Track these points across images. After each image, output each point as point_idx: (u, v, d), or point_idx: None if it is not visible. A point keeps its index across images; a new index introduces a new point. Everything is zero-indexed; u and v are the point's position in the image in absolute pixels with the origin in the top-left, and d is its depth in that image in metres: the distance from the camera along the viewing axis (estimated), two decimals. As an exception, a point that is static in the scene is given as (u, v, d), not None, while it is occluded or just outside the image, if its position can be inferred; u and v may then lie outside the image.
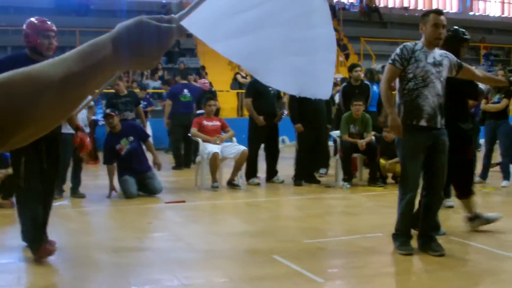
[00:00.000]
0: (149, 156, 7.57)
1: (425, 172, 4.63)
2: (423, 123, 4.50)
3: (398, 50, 4.68)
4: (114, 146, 7.35)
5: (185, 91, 10.48)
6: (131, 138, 7.35)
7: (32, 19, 4.58)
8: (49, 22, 4.60)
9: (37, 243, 4.31)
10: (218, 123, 8.33)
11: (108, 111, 7.61)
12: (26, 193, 4.36)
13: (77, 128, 4.88)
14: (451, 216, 6.39)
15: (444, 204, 7.04)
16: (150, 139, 7.76)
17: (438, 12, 4.71)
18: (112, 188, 7.32)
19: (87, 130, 7.70)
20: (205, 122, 8.20)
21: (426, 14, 4.74)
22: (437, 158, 4.55)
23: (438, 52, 4.68)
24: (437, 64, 4.58)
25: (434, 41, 4.60)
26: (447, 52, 4.75)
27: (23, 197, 4.44)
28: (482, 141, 9.00)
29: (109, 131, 7.59)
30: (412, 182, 4.56)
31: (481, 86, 8.07)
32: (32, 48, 4.49)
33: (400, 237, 4.57)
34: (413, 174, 4.55)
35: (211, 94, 9.99)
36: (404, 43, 4.74)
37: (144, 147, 7.62)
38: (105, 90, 12.05)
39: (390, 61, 4.72)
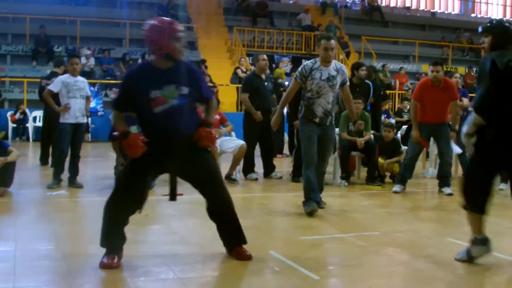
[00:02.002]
0: None
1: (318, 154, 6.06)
2: (316, 121, 5.99)
3: (299, 69, 6.10)
4: None
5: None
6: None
7: (154, 22, 4.00)
8: (177, 22, 4.05)
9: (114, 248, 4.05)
10: (217, 117, 8.30)
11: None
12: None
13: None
14: (452, 218, 6.40)
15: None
16: None
17: (328, 38, 6.03)
18: (120, 162, 7.33)
19: (85, 120, 7.69)
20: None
21: (319, 39, 6.10)
22: (324, 145, 6.07)
23: (334, 67, 6.01)
24: (330, 79, 5.95)
25: (325, 61, 5.95)
26: (344, 69, 6.11)
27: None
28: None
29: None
30: (309, 157, 5.97)
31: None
32: (165, 55, 3.93)
33: (308, 201, 5.97)
34: (310, 152, 5.98)
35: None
36: (305, 62, 6.18)
37: None
38: (114, 81, 11.97)
39: (294, 77, 6.12)
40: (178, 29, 3.97)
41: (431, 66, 7.51)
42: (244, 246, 4.24)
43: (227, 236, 4.28)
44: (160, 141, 3.92)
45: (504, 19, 4.38)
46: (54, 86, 7.48)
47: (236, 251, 4.20)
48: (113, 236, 4.04)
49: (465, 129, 4.14)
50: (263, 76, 8.61)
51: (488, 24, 4.25)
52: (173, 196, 4.17)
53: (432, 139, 7.88)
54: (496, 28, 4.18)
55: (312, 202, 5.89)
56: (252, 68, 9.48)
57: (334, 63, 6.04)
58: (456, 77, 9.20)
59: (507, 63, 3.91)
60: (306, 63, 6.08)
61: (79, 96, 7.43)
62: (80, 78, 7.59)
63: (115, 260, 3.96)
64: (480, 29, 4.27)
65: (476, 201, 4.17)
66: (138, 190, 4.05)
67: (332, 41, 5.96)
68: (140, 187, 4.05)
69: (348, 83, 6.21)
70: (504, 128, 3.96)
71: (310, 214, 5.83)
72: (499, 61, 3.93)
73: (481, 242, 4.19)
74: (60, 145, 7.39)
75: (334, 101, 6.09)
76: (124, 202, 4.05)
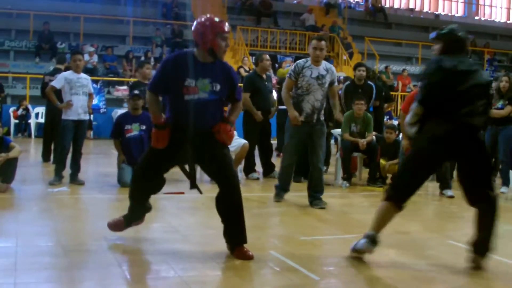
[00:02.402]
0: None
1: (308, 151, 6.48)
2: (302, 118, 6.32)
3: (292, 67, 6.53)
4: (124, 124, 7.44)
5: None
6: (143, 127, 7.39)
7: (207, 17, 4.22)
8: (226, 23, 4.25)
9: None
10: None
11: (136, 92, 7.64)
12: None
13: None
14: (452, 220, 6.41)
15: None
16: None
17: (319, 39, 6.44)
18: (121, 159, 7.41)
19: (87, 117, 7.70)
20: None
21: (312, 39, 6.50)
22: (313, 141, 6.38)
23: (324, 67, 6.39)
24: (320, 77, 6.33)
25: (314, 60, 6.34)
26: (333, 69, 6.48)
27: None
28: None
29: (127, 111, 7.68)
30: (289, 154, 6.54)
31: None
32: (208, 50, 4.12)
33: (278, 189, 6.67)
34: (291, 149, 6.51)
35: None
36: (297, 61, 6.48)
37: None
38: (126, 79, 11.95)
39: (288, 74, 6.46)
40: (226, 30, 4.16)
41: (417, 82, 7.55)
42: (245, 245, 4.25)
43: (230, 232, 4.30)
44: (183, 129, 4.10)
45: (455, 27, 4.49)
46: (57, 82, 7.48)
47: (238, 250, 4.21)
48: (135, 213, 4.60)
49: (407, 119, 4.26)
50: (264, 76, 8.61)
51: (440, 32, 4.33)
52: (193, 184, 4.35)
53: None
54: (447, 36, 4.26)
55: (282, 193, 6.67)
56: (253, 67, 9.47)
57: (324, 64, 6.44)
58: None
59: (451, 67, 4.02)
60: (299, 61, 6.48)
61: (82, 93, 7.43)
62: (83, 75, 7.60)
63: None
64: (431, 35, 4.37)
65: (403, 198, 4.19)
66: (157, 173, 4.39)
67: (323, 42, 6.38)
68: (159, 170, 4.37)
69: (336, 83, 6.67)
70: (443, 121, 4.04)
71: (277, 201, 6.62)
72: (445, 62, 4.05)
73: (373, 240, 4.22)
74: (62, 141, 7.40)
75: (323, 99, 6.42)
76: (144, 184, 4.44)
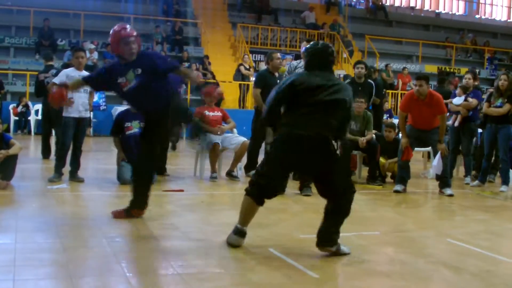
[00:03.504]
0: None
1: None
2: None
3: (287, 68, 6.76)
4: (124, 122, 7.45)
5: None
6: (143, 124, 7.37)
7: (114, 28, 5.09)
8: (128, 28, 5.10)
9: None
10: (219, 113, 8.31)
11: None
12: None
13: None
14: (451, 219, 6.41)
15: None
16: None
17: (307, 40, 6.76)
18: (121, 157, 7.42)
19: (88, 115, 7.70)
20: (207, 112, 8.18)
21: (304, 41, 6.87)
22: None
23: None
24: None
25: None
26: None
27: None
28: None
29: (127, 109, 7.69)
30: None
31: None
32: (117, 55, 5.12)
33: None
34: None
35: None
36: (291, 62, 6.74)
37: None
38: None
39: (283, 76, 6.58)
40: (126, 34, 5.00)
41: (414, 80, 7.58)
42: (244, 244, 4.27)
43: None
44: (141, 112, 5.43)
45: (328, 43, 4.76)
46: (58, 79, 7.47)
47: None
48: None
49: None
50: (276, 74, 8.61)
51: (308, 45, 4.55)
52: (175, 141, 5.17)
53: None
54: (312, 50, 4.47)
55: None
56: (265, 66, 9.45)
57: None
58: (467, 79, 8.91)
59: (299, 87, 4.26)
60: (292, 62, 6.62)
61: (83, 91, 7.42)
62: (84, 72, 7.59)
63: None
64: (301, 50, 4.61)
65: (267, 195, 4.43)
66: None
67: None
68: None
69: None
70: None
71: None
72: (298, 82, 4.29)
73: (241, 233, 4.42)
74: (63, 138, 7.40)
75: None
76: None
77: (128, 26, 5.13)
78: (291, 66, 6.71)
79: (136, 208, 5.26)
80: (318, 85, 4.25)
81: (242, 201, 4.46)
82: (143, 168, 5.30)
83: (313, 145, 4.20)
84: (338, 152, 4.26)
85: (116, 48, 5.03)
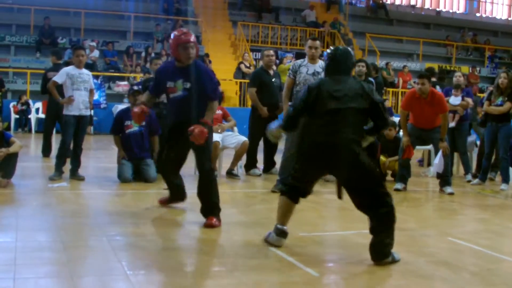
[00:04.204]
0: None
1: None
2: None
3: (291, 66, 7.06)
4: (124, 120, 7.45)
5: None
6: (143, 123, 7.36)
7: (176, 32, 5.38)
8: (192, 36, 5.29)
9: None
10: (219, 111, 8.31)
11: (135, 87, 7.67)
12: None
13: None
14: (452, 218, 6.41)
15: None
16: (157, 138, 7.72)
17: (313, 39, 7.05)
18: (121, 155, 7.44)
19: (88, 113, 7.70)
20: (207, 111, 8.16)
21: (307, 39, 7.11)
22: None
23: (321, 66, 6.76)
24: (316, 74, 6.80)
25: (310, 58, 6.89)
26: None
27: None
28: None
29: (128, 107, 7.67)
30: (287, 149, 6.84)
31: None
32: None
33: (279, 182, 6.69)
34: (289, 145, 6.69)
35: None
36: (295, 61, 6.99)
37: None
38: (126, 74, 11.93)
39: (287, 74, 6.95)
40: (189, 40, 5.17)
41: (416, 78, 7.57)
42: (243, 243, 4.26)
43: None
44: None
45: (348, 48, 4.69)
46: (59, 77, 7.47)
47: None
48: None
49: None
50: (271, 72, 8.60)
51: (329, 50, 4.53)
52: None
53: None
54: (332, 55, 4.45)
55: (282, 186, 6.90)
56: (261, 63, 9.47)
57: (321, 62, 6.86)
58: (458, 76, 9.12)
59: (321, 94, 4.24)
60: (296, 61, 7.00)
61: (83, 89, 7.43)
62: (84, 70, 7.59)
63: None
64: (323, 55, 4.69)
65: (302, 195, 4.46)
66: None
67: (317, 42, 7.01)
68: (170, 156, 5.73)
69: None
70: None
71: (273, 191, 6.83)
72: (323, 89, 4.26)
73: (282, 233, 4.45)
74: (63, 137, 7.40)
75: None
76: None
77: (188, 32, 5.30)
78: (295, 65, 6.91)
79: (212, 215, 5.12)
80: (337, 91, 4.24)
81: (279, 201, 4.48)
82: (203, 168, 5.45)
83: (335, 152, 4.20)
84: (365, 159, 4.24)
85: (175, 51, 5.23)
